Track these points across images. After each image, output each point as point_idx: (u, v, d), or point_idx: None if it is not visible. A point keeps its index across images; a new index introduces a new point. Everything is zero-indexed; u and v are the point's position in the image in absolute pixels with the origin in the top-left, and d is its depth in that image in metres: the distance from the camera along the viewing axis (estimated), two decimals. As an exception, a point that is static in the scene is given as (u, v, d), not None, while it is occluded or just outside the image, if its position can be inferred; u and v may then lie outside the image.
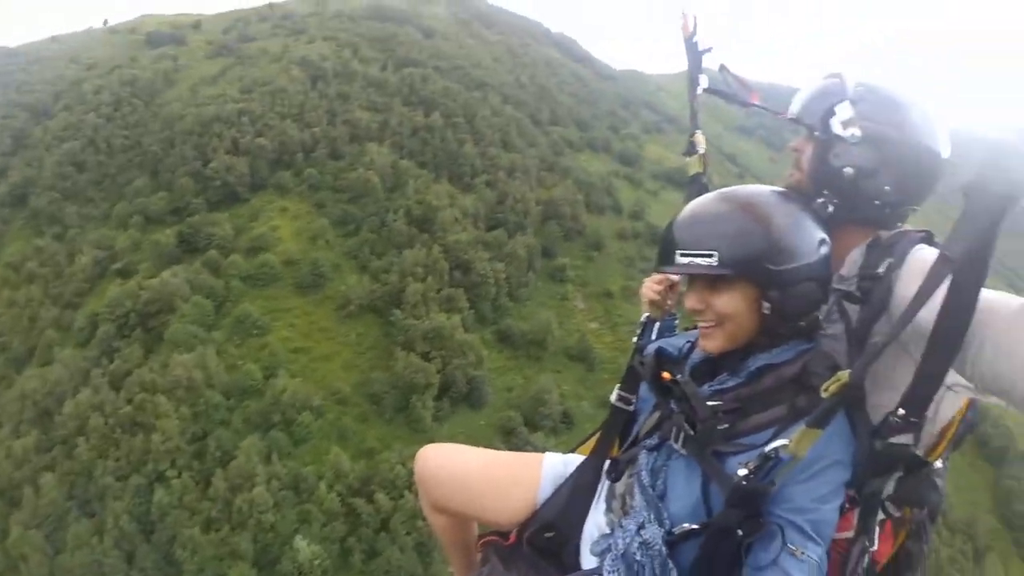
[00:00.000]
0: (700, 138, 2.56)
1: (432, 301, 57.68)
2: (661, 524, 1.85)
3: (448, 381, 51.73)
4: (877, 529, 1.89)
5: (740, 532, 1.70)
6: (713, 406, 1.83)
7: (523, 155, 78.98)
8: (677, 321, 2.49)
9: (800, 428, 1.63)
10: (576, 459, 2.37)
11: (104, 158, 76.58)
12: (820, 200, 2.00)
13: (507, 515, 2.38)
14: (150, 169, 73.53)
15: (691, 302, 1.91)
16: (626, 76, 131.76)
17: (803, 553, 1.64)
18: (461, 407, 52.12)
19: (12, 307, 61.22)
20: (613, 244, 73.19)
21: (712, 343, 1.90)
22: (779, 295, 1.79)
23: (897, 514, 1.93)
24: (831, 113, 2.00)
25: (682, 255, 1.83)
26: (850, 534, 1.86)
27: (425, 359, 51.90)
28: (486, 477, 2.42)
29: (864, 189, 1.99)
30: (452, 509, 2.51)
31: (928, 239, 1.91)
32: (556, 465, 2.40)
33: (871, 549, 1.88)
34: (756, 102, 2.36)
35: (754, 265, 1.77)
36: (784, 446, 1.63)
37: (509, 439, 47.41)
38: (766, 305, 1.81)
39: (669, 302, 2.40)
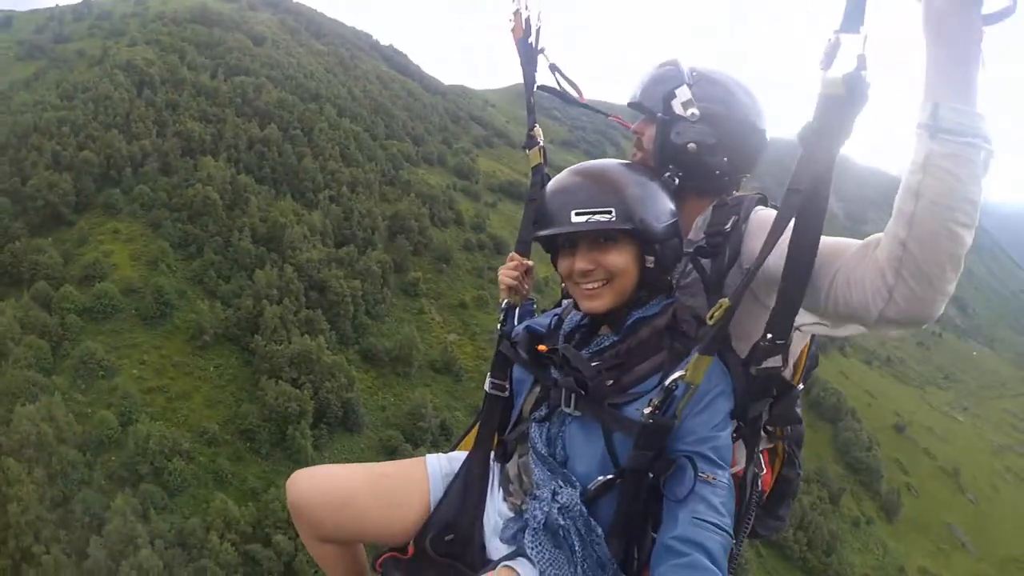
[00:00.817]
0: (538, 131, 2.67)
1: (291, 324, 56.09)
2: (573, 487, 1.92)
3: (322, 407, 50.58)
4: (761, 457, 2.13)
5: (651, 475, 1.81)
6: (597, 365, 1.96)
7: (363, 169, 78.25)
8: (535, 306, 2.56)
9: (692, 359, 1.77)
10: (461, 455, 2.35)
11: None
12: (667, 174, 2.19)
13: (400, 526, 2.27)
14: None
15: (581, 263, 2.00)
16: (454, 91, 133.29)
17: (714, 478, 1.76)
18: (339, 432, 51.26)
19: None
20: (460, 256, 74.74)
21: (599, 302, 2.01)
22: (660, 249, 1.99)
23: (770, 444, 2.27)
24: (672, 96, 2.20)
25: (578, 214, 1.95)
26: (739, 467, 2.05)
27: (295, 386, 50.52)
28: (369, 492, 2.28)
29: (706, 162, 2.21)
30: (337, 534, 2.33)
31: (764, 200, 2.19)
32: (442, 465, 2.36)
33: (761, 474, 2.10)
34: (584, 101, 2.68)
35: (645, 222, 1.95)
36: (681, 376, 1.76)
37: (393, 458, 47.35)
38: (650, 259, 1.99)
39: (526, 287, 2.47)
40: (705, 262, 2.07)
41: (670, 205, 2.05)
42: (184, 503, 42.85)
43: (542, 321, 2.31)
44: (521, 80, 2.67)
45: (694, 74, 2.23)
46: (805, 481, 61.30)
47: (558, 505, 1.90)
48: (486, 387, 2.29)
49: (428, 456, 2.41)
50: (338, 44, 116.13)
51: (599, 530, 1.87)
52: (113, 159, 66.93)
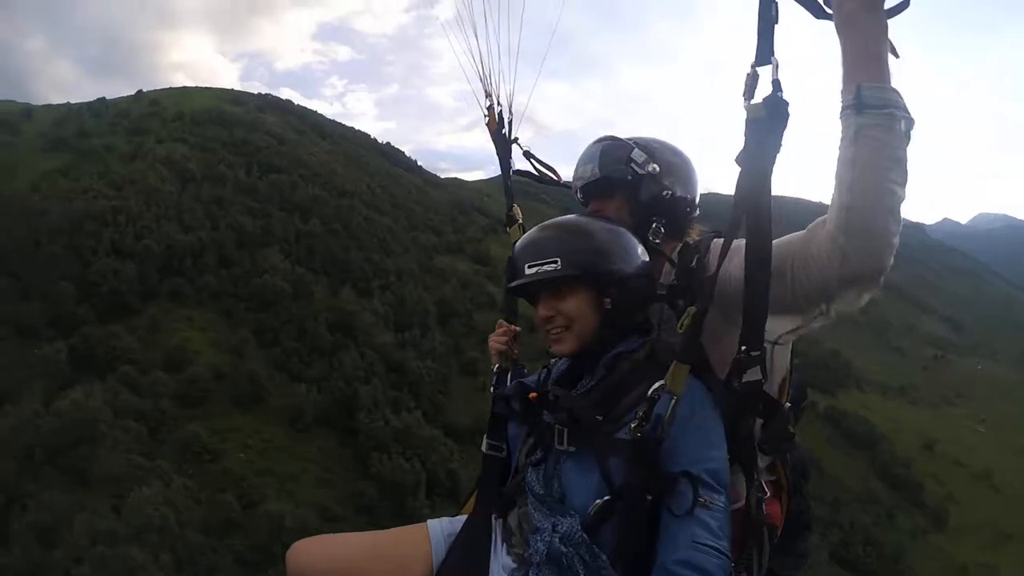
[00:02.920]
0: (517, 210, 2.83)
1: (382, 403, 56.64)
2: (572, 517, 1.91)
3: (431, 478, 51.14)
4: (762, 479, 2.10)
5: (650, 497, 1.79)
6: (585, 402, 1.97)
7: (403, 259, 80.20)
8: (526, 370, 2.58)
9: (670, 368, 1.80)
10: (463, 518, 2.36)
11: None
12: (653, 226, 2.34)
13: None
14: (8, 269, 61.05)
15: (542, 311, 2.10)
16: (452, 184, 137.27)
17: (712, 502, 1.76)
18: (446, 502, 51.31)
19: None
20: (501, 337, 76.59)
21: (564, 346, 2.08)
22: (616, 291, 2.04)
23: (772, 476, 2.25)
24: (630, 160, 2.37)
25: (529, 267, 2.05)
26: (742, 503, 2.00)
27: (405, 459, 50.94)
28: (372, 557, 2.30)
29: (679, 204, 2.40)
30: None
31: (719, 234, 2.23)
32: (443, 527, 2.36)
33: (764, 497, 2.07)
34: (562, 181, 2.87)
35: (592, 266, 2.02)
36: (662, 385, 1.79)
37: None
38: (607, 301, 2.04)
39: (515, 351, 2.54)
40: (680, 302, 2.14)
41: (627, 248, 2.12)
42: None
43: (531, 378, 2.36)
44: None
45: (633, 139, 2.44)
46: (860, 501, 65.32)
47: (559, 535, 1.90)
48: (483, 448, 2.32)
49: (430, 520, 2.41)
50: (342, 143, 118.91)
51: (603, 556, 1.84)
52: (173, 249, 66.54)
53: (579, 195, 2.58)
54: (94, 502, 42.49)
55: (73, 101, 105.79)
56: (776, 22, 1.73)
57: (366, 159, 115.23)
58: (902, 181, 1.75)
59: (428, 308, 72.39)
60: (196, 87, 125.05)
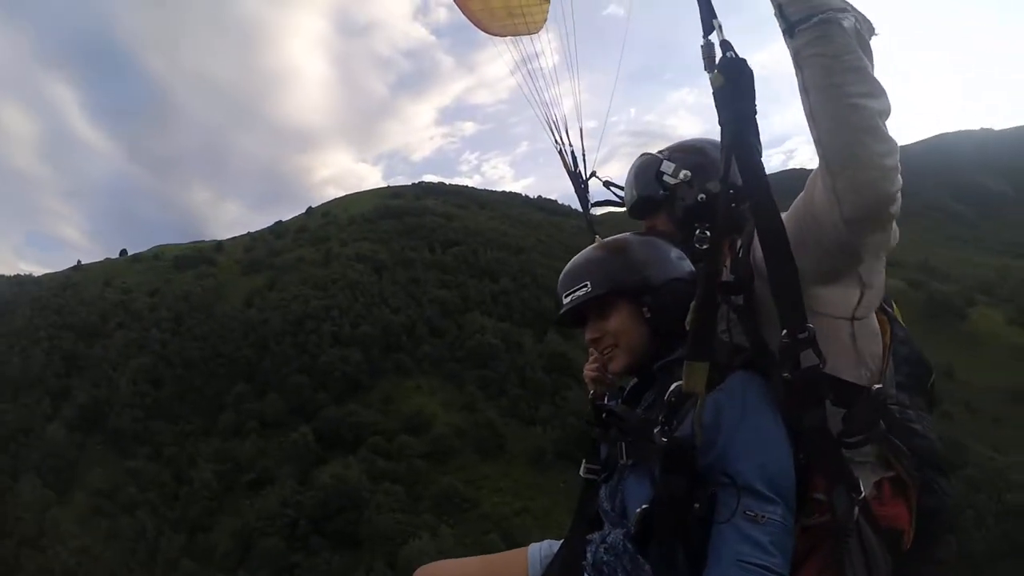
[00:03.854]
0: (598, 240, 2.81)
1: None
2: (624, 527, 1.89)
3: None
4: (859, 476, 1.72)
5: (697, 505, 1.67)
6: (646, 416, 1.88)
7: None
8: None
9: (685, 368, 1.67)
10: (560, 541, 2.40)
11: (181, 371, 69.57)
12: (697, 232, 2.21)
13: None
14: (242, 375, 67.61)
15: (588, 334, 2.07)
16: (610, 219, 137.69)
17: (761, 515, 1.61)
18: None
19: (115, 539, 47.87)
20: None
21: (616, 363, 2.03)
22: (652, 298, 1.96)
23: (889, 472, 1.83)
24: (660, 174, 2.30)
25: (566, 296, 2.04)
26: (827, 517, 1.69)
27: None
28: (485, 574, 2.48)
29: (720, 204, 2.10)
30: None
31: None
32: (542, 549, 2.42)
33: (859, 497, 1.67)
34: None
35: (620, 280, 1.98)
36: (679, 386, 1.67)
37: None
38: (646, 310, 1.96)
39: (609, 376, 2.40)
40: (734, 298, 1.97)
41: (659, 256, 2.05)
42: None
43: (612, 401, 2.29)
44: None
45: (664, 151, 2.38)
46: None
47: (605, 545, 1.91)
48: (581, 473, 2.29)
49: (532, 544, 2.47)
50: (500, 207, 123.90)
51: (646, 567, 1.77)
52: (388, 330, 70.95)
53: (632, 217, 2.51)
54: (369, 560, 44.92)
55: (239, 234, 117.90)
56: None
57: (526, 215, 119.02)
58: (868, 91, 1.54)
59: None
60: (355, 193, 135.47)
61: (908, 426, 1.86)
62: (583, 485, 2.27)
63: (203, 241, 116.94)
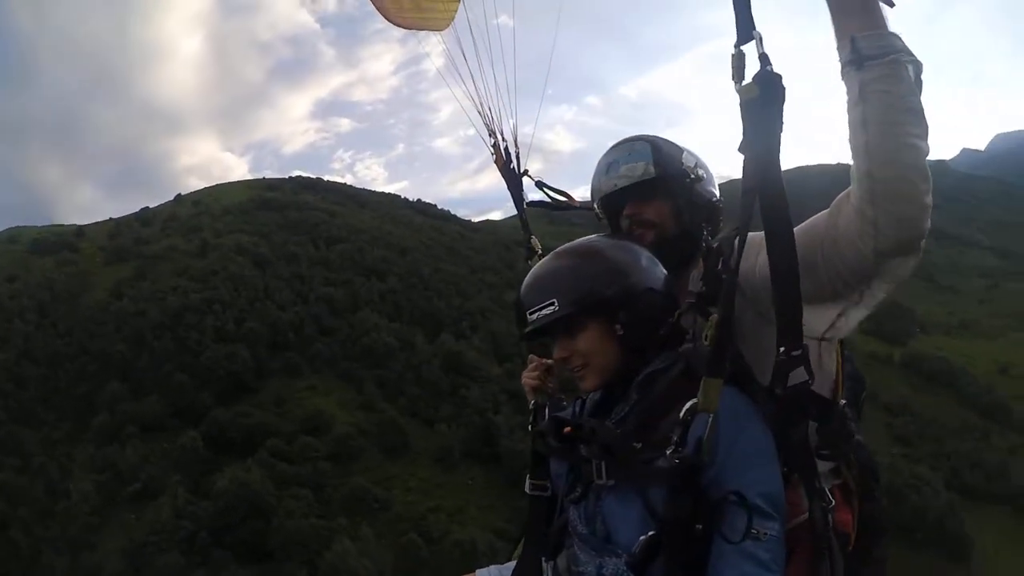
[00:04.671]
0: (535, 242, 2.77)
1: (516, 427, 57.78)
2: (618, 557, 1.76)
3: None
4: (827, 487, 1.81)
5: (700, 526, 1.61)
6: (622, 431, 1.79)
7: (477, 300, 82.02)
8: (564, 403, 2.38)
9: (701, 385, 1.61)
10: (512, 565, 2.24)
11: (46, 369, 62.90)
12: (704, 233, 2.17)
13: None
14: (116, 374, 61.93)
15: (557, 353, 1.94)
16: (486, 227, 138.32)
17: (765, 534, 1.59)
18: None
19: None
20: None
21: (587, 383, 1.92)
22: (625, 313, 1.83)
23: (838, 480, 1.99)
24: (682, 163, 2.19)
25: (531, 313, 1.87)
26: (804, 516, 1.75)
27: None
28: None
29: (720, 211, 2.23)
30: None
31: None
32: (491, 573, 2.33)
33: (830, 506, 1.76)
34: (578, 204, 2.74)
35: (588, 298, 1.83)
36: (695, 404, 1.61)
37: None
38: (618, 327, 1.84)
39: (550, 385, 2.38)
40: (711, 310, 1.85)
41: (633, 264, 1.92)
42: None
43: (567, 411, 2.20)
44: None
45: (670, 142, 2.28)
46: (957, 432, 64.81)
47: None
48: (527, 490, 2.15)
49: (479, 570, 2.36)
50: (380, 208, 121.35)
51: None
52: (277, 326, 68.29)
53: (603, 204, 2.34)
54: (288, 570, 43.41)
55: (99, 219, 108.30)
56: None
57: (408, 217, 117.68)
58: (922, 133, 1.58)
59: (518, 341, 74.17)
60: (227, 183, 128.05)
61: (856, 439, 1.97)
62: (529, 503, 2.14)
63: (62, 225, 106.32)
